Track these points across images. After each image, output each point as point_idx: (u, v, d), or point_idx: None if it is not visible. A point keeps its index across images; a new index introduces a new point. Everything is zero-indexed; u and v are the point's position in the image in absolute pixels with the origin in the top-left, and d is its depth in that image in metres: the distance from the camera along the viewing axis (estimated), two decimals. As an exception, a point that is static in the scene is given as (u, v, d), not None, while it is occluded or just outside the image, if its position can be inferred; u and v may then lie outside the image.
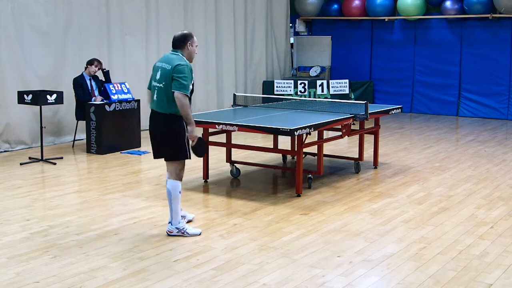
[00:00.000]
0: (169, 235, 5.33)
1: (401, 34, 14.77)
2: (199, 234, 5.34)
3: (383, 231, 5.51)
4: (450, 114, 14.11)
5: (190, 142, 5.31)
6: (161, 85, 5.20)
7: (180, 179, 5.38)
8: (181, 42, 5.31)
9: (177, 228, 5.31)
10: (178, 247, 5.03)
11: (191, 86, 5.21)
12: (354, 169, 8.00)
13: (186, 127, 5.27)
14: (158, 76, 5.24)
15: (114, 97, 9.27)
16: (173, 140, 5.26)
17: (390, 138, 10.81)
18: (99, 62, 9.44)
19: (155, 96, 5.27)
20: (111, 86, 9.33)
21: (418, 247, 5.09)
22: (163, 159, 5.43)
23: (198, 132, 5.49)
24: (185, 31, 5.44)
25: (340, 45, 15.22)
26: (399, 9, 14.24)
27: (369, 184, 7.40)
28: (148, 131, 5.55)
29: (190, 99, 5.22)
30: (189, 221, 5.67)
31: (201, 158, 7.14)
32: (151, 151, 5.50)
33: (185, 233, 5.31)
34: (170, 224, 5.35)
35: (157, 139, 5.35)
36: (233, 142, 7.60)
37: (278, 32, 14.92)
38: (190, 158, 5.35)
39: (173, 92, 5.11)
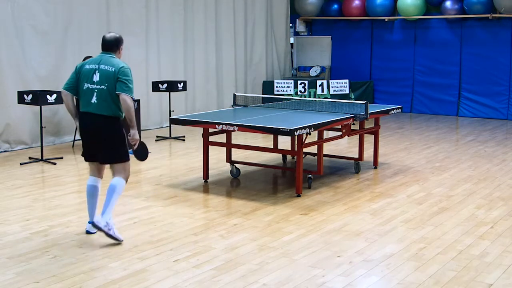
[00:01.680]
0: (94, 225, 5.05)
1: (401, 34, 14.77)
2: (121, 242, 5.10)
3: (383, 231, 5.51)
4: (450, 114, 14.11)
5: (132, 146, 5.21)
6: (103, 86, 5.03)
7: (127, 179, 5.26)
8: (114, 46, 5.21)
9: (107, 222, 5.04)
10: (178, 247, 5.03)
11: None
12: (354, 169, 8.00)
13: (126, 130, 5.16)
14: (96, 78, 5.05)
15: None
16: (117, 143, 5.12)
17: (390, 138, 10.81)
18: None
19: (94, 98, 5.05)
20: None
21: (418, 247, 5.09)
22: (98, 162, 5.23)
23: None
24: (116, 34, 5.28)
25: (340, 45, 15.22)
26: (399, 9, 14.24)
27: (369, 184, 7.40)
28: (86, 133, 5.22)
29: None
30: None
31: (201, 159, 7.12)
32: (83, 153, 5.28)
33: (111, 230, 5.04)
34: (101, 215, 5.09)
35: (97, 142, 5.12)
36: (233, 142, 7.60)
37: (278, 32, 14.92)
38: (129, 159, 5.24)
39: (118, 94, 4.99)
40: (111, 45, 5.20)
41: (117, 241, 5.09)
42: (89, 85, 5.07)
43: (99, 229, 5.05)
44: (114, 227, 5.11)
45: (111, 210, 5.11)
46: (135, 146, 5.22)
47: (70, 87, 5.19)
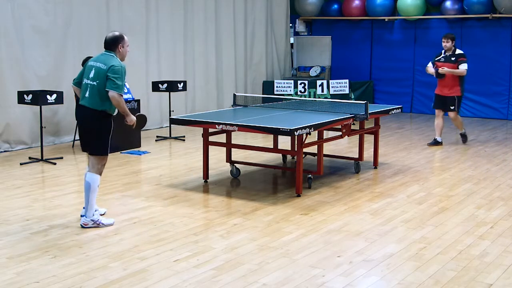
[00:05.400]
0: (83, 227, 5.49)
1: (401, 34, 14.77)
2: (113, 224, 5.60)
3: (383, 231, 5.51)
4: (450, 114, 14.09)
5: (131, 126, 5.73)
6: (94, 83, 5.44)
7: (100, 174, 5.60)
8: (112, 45, 5.54)
9: (92, 220, 5.50)
10: (178, 247, 5.03)
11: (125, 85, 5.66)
12: (354, 169, 8.00)
13: (112, 124, 5.61)
14: (92, 75, 5.46)
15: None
16: (99, 136, 5.52)
17: (390, 138, 10.81)
18: None
19: (87, 93, 5.48)
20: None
21: (418, 247, 5.09)
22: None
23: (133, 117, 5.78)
24: (116, 33, 5.60)
25: (340, 45, 15.21)
26: (399, 9, 14.23)
27: (369, 184, 7.40)
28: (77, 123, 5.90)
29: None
30: (101, 215, 5.84)
31: (201, 159, 7.13)
32: (80, 143, 5.82)
33: (100, 224, 5.52)
34: (84, 217, 5.53)
35: (84, 133, 5.63)
36: (233, 142, 7.60)
37: (278, 32, 14.91)
38: (107, 155, 5.63)
39: (107, 91, 5.36)
40: (110, 44, 5.55)
41: (111, 225, 5.56)
42: (86, 81, 5.52)
43: (89, 228, 5.48)
44: (99, 218, 5.54)
45: (91, 207, 5.50)
46: (134, 126, 5.74)
47: (77, 82, 5.70)
